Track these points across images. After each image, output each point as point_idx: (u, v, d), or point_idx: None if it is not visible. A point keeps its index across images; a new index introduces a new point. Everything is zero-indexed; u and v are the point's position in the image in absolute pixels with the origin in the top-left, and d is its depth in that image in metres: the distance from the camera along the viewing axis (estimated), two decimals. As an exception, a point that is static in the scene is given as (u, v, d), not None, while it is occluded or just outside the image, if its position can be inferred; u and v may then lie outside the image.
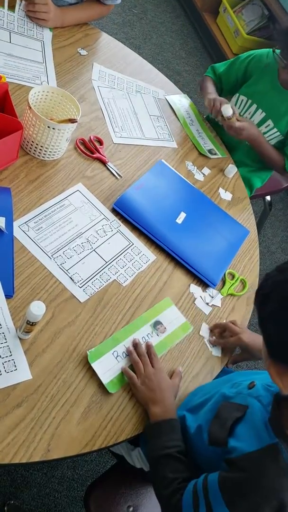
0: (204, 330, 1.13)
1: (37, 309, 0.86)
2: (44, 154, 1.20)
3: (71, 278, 1.04)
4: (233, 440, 0.79)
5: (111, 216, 1.20)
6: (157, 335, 1.06)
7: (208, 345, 1.10)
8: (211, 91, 1.62)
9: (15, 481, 1.42)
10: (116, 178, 1.30)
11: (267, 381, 0.87)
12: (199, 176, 1.45)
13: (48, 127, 1.13)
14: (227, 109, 1.43)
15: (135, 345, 1.00)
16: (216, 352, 1.10)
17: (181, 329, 1.09)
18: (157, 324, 1.07)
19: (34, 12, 1.47)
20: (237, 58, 1.65)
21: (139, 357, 0.98)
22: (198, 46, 3.28)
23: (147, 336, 1.05)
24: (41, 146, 1.17)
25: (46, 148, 1.18)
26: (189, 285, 1.19)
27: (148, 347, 1.00)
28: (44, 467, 1.48)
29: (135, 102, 1.54)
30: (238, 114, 1.49)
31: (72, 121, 1.16)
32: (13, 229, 1.04)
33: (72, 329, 0.99)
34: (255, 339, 1.06)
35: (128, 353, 0.99)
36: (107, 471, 1.11)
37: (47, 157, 1.21)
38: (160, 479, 0.87)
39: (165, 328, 1.07)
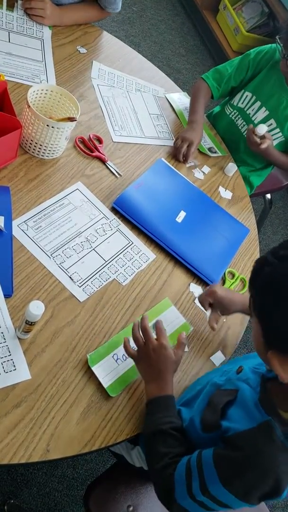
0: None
1: (36, 308, 0.86)
2: (43, 152, 1.19)
3: (70, 278, 1.04)
4: (225, 421, 0.79)
5: (111, 215, 1.19)
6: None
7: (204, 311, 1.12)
8: (195, 119, 1.49)
9: (15, 480, 1.42)
10: (116, 176, 1.29)
11: (254, 364, 0.88)
12: (199, 175, 1.44)
13: (47, 125, 1.12)
14: (262, 128, 1.43)
15: (142, 319, 0.97)
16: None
17: (181, 329, 1.09)
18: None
19: (31, 9, 1.47)
20: (246, 55, 1.59)
21: (143, 332, 0.95)
22: (198, 43, 3.27)
23: (147, 335, 1.04)
24: (40, 145, 1.17)
25: (45, 146, 1.17)
26: (189, 284, 1.18)
27: (157, 322, 0.98)
28: (44, 466, 1.47)
29: (135, 100, 1.53)
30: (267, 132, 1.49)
31: (71, 119, 1.15)
32: (12, 228, 1.03)
33: (71, 328, 0.98)
34: (229, 294, 1.07)
35: (132, 328, 0.96)
36: (107, 470, 1.10)
37: (46, 156, 1.20)
38: (153, 454, 0.87)
39: (164, 329, 1.07)
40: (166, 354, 0.93)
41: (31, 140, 1.17)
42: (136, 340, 0.95)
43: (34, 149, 1.18)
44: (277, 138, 1.60)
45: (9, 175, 1.13)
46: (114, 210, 1.21)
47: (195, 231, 1.26)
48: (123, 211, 1.20)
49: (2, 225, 1.01)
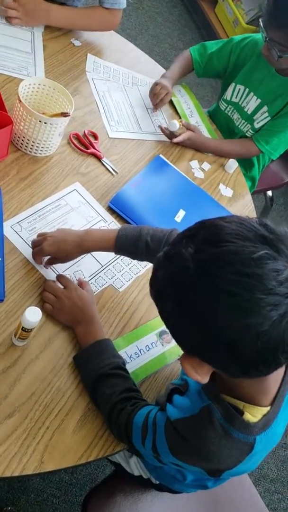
0: None
1: (33, 315, 0.82)
2: (36, 150, 1.15)
3: (65, 280, 1.00)
4: (169, 406, 0.76)
5: (109, 218, 1.15)
6: (162, 345, 1.01)
7: None
8: (170, 75, 1.50)
9: (12, 487, 1.39)
10: (112, 174, 1.25)
11: None
12: (198, 172, 1.40)
13: (40, 121, 1.08)
14: (174, 124, 1.36)
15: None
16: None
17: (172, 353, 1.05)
18: (163, 333, 1.03)
19: (5, 11, 1.32)
20: (230, 39, 1.54)
21: (49, 289, 0.95)
22: (196, 36, 3.21)
23: (151, 344, 1.00)
24: (33, 142, 1.12)
25: (38, 143, 1.13)
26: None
27: (57, 276, 0.98)
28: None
29: (132, 94, 1.49)
30: (183, 121, 1.42)
31: (64, 114, 1.11)
32: (3, 229, 0.99)
33: (66, 334, 0.94)
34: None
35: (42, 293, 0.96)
36: (105, 478, 1.07)
37: (39, 153, 1.16)
38: (99, 399, 0.86)
39: (171, 338, 1.03)
40: (79, 294, 0.94)
41: (23, 137, 1.12)
42: (46, 298, 0.94)
43: (26, 146, 1.14)
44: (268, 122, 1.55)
45: (0, 173, 1.09)
46: (111, 210, 1.17)
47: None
48: (120, 210, 1.16)
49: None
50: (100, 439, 0.86)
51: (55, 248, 0.93)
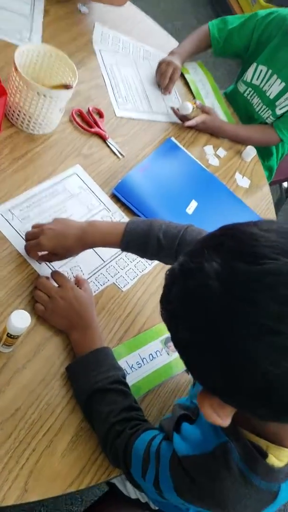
0: None
1: (20, 321, 0.70)
2: (33, 126, 1.01)
3: (60, 277, 0.88)
4: (177, 437, 0.63)
5: (113, 207, 1.02)
6: (168, 353, 0.89)
7: None
8: (179, 51, 1.36)
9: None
10: (118, 157, 1.11)
11: None
12: (213, 158, 1.27)
13: (38, 93, 0.94)
14: (187, 106, 1.22)
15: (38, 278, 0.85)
16: None
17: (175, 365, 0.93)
18: (168, 341, 0.91)
19: None
20: (254, 14, 1.39)
21: (41, 286, 0.83)
22: (210, 13, 3.04)
23: (156, 353, 0.88)
24: (30, 117, 0.99)
25: (35, 119, 0.99)
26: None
27: (52, 273, 0.86)
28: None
29: (142, 70, 1.35)
30: (198, 103, 1.28)
31: (67, 87, 0.97)
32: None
33: (59, 339, 0.82)
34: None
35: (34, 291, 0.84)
36: (98, 500, 0.96)
37: (37, 131, 1.02)
38: (94, 419, 0.75)
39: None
40: (76, 294, 0.82)
41: (19, 111, 0.99)
42: (38, 297, 0.82)
43: (22, 122, 1.00)
44: None
45: (-9, 152, 0.96)
46: (115, 198, 1.04)
47: (208, 224, 1.08)
48: (125, 198, 1.03)
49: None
50: (93, 464, 0.75)
51: (54, 243, 0.81)
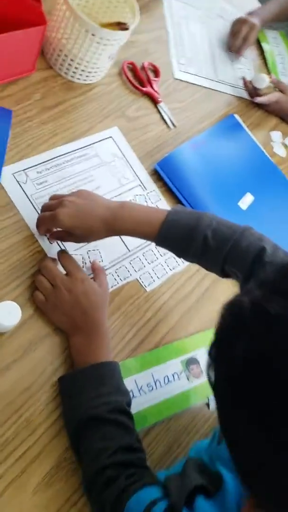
0: None
1: (8, 316, 0.54)
2: (73, 72, 0.83)
3: (73, 262, 0.71)
4: None
5: (150, 185, 0.84)
6: (188, 379, 0.72)
7: None
8: (261, 12, 1.13)
9: None
10: (168, 126, 0.92)
11: None
12: (279, 147, 1.06)
13: (87, 31, 0.75)
14: (263, 78, 1.01)
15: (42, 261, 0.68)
16: None
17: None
18: (192, 362, 0.73)
19: None
20: None
21: (45, 271, 0.66)
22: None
23: (173, 376, 0.71)
24: (71, 59, 0.81)
25: (78, 63, 0.81)
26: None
27: (59, 253, 0.69)
28: None
29: (214, 29, 1.13)
30: (273, 77, 1.06)
31: (122, 26, 0.78)
32: (0, 173, 0.69)
33: (57, 340, 0.66)
34: None
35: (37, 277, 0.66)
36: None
37: (77, 78, 0.84)
38: (84, 452, 0.58)
39: (201, 371, 0.73)
40: (86, 288, 0.65)
41: (60, 50, 0.80)
42: (40, 284, 0.65)
43: (61, 65, 0.82)
44: None
45: (18, 94, 0.78)
46: (156, 175, 0.85)
47: (264, 225, 0.88)
48: (168, 177, 0.84)
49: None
50: (72, 507, 0.59)
51: (73, 221, 0.63)
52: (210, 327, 0.78)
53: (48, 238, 0.69)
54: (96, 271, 0.70)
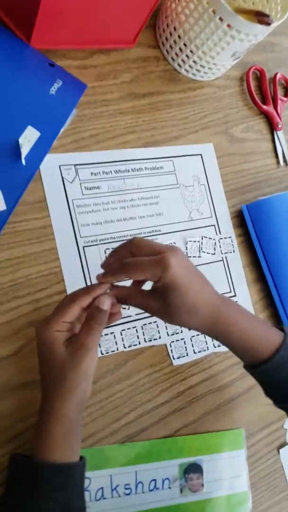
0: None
1: None
2: (183, 60, 0.64)
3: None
4: None
5: (227, 229, 0.64)
6: (181, 490, 0.54)
7: None
8: None
9: None
10: (278, 162, 0.72)
11: None
12: None
13: (214, 12, 0.56)
14: None
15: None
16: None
17: (228, 501, 0.56)
18: (193, 470, 0.55)
19: None
20: None
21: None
22: None
23: (163, 483, 0.54)
24: (185, 45, 0.62)
25: (192, 50, 0.63)
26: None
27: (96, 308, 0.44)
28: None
29: None
30: None
31: (262, 19, 0.58)
32: (43, 160, 0.53)
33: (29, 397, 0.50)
34: (192, 278, 0.44)
35: None
36: None
37: (186, 69, 0.66)
38: None
39: (202, 485, 0.55)
40: (40, 344, 0.43)
41: (174, 29, 0.62)
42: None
43: (171, 47, 0.64)
44: None
45: (104, 68, 0.61)
46: (238, 219, 0.66)
47: None
48: (254, 226, 0.64)
49: (29, 142, 0.51)
50: None
51: (186, 278, 0.43)
52: (237, 428, 0.59)
53: (99, 279, 0.46)
54: (88, 319, 0.43)
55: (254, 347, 0.45)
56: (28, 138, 0.51)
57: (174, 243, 0.60)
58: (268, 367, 0.44)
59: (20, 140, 0.51)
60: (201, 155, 0.65)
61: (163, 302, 0.43)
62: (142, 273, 0.42)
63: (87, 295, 0.44)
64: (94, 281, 0.51)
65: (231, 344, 0.46)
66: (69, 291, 0.53)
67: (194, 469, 0.56)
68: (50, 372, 0.42)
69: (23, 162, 0.51)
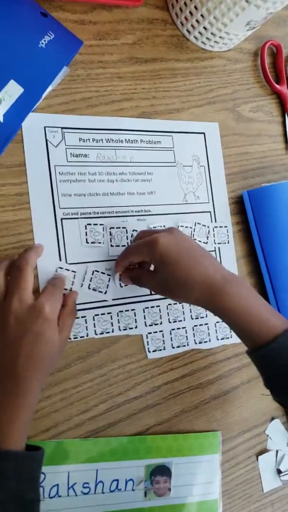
0: None
1: None
2: (193, 26, 0.59)
3: (74, 277, 0.49)
4: None
5: (224, 217, 0.59)
6: (145, 494, 0.50)
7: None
8: None
9: None
10: (286, 148, 0.66)
11: None
12: None
13: (230, -27, 0.50)
14: None
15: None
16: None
17: (196, 508, 0.52)
18: (159, 472, 0.51)
19: None
20: None
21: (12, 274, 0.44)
22: None
23: (126, 484, 0.50)
24: (196, 7, 0.57)
25: (202, 15, 0.57)
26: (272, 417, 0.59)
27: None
28: None
29: None
30: None
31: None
32: (24, 119, 0.48)
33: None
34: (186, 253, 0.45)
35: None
36: None
37: (195, 37, 0.60)
38: None
39: (169, 489, 0.51)
40: (42, 331, 0.42)
41: (185, -11, 0.56)
42: None
43: (178, 12, 0.58)
44: None
45: (105, 26, 0.55)
46: (237, 206, 0.60)
47: None
48: (254, 214, 0.59)
49: (10, 98, 0.46)
50: None
51: (175, 255, 0.45)
52: (215, 430, 0.54)
53: (120, 279, 0.51)
54: (65, 307, 0.46)
55: (253, 330, 0.42)
56: (10, 93, 0.46)
57: (163, 226, 0.55)
58: (265, 352, 0.42)
59: (0, 95, 0.45)
60: (204, 134, 0.59)
61: (159, 279, 0.46)
62: (138, 254, 0.47)
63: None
64: (69, 257, 0.47)
65: (229, 323, 0.44)
66: (41, 266, 0.48)
67: (161, 471, 0.52)
68: (41, 357, 0.42)
69: (1, 119, 0.46)
